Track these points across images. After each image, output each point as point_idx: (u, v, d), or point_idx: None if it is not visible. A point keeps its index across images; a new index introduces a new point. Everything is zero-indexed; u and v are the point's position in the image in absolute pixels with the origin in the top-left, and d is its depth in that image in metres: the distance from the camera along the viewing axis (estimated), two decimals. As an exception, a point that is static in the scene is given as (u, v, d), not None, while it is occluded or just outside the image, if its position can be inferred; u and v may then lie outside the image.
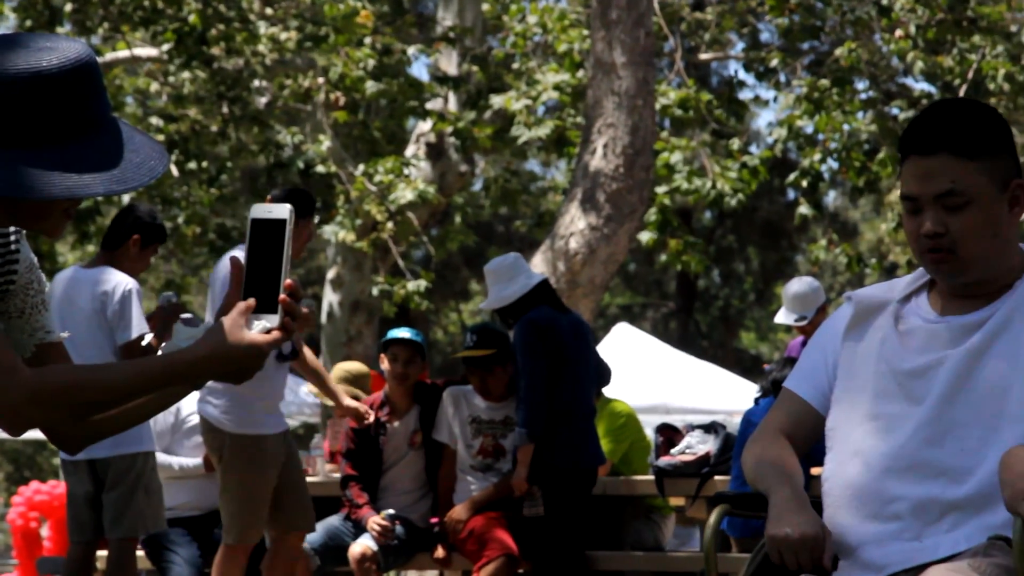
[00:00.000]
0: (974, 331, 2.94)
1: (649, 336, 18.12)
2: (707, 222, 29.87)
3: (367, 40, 14.67)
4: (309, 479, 7.28)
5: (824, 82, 14.47)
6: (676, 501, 7.64)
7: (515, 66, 15.52)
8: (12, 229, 2.50)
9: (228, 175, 15.81)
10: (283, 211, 2.34)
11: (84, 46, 2.33)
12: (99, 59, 10.99)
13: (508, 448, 7.20)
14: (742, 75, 39.94)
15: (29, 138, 2.28)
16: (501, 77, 15.59)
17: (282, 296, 2.33)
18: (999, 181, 2.92)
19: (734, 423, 7.30)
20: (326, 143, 14.89)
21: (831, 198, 30.18)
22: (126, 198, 12.70)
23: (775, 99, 17.06)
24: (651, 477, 7.18)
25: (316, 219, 9.15)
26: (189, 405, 7.73)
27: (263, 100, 15.84)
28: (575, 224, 11.36)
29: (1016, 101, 15.08)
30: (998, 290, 2.97)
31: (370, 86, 14.33)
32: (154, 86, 16.32)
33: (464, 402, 7.27)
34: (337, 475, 7.75)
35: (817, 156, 14.22)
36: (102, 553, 7.12)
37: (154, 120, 15.56)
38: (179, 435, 7.81)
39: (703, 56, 18.59)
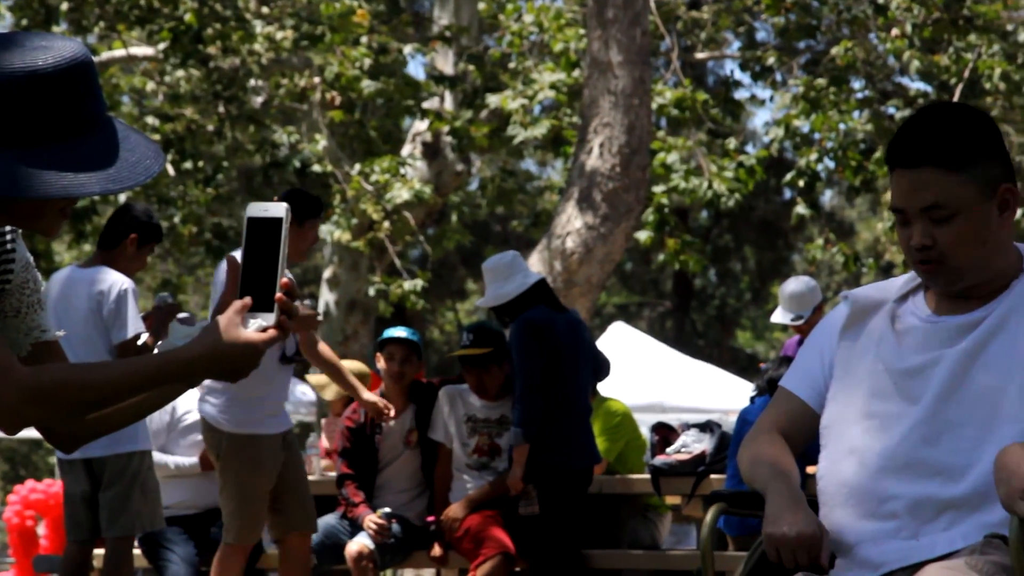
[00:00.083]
0: (970, 331, 2.94)
1: (645, 335, 18.13)
2: (703, 221, 29.88)
3: (363, 39, 14.67)
4: (305, 478, 7.27)
5: (820, 81, 14.48)
6: (672, 500, 7.63)
7: (511, 65, 15.52)
8: (8, 228, 2.49)
9: (224, 174, 15.81)
10: (279, 210, 2.34)
11: (80, 45, 2.33)
12: (95, 58, 10.97)
13: (504, 447, 7.20)
14: (738, 74, 39.98)
15: (25, 137, 2.28)
16: (497, 76, 15.59)
17: (278, 295, 2.33)
18: (986, 189, 2.91)
19: (730, 422, 7.31)
20: (322, 142, 14.89)
21: (827, 197, 30.21)
22: (122, 197, 12.70)
23: (771, 98, 17.07)
24: (647, 476, 7.18)
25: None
26: (185, 404, 7.74)
27: (259, 99, 15.84)
28: (571, 223, 11.36)
29: (1012, 100, 15.10)
30: (994, 290, 2.97)
31: (366, 85, 14.33)
32: (150, 85, 16.32)
33: (460, 401, 7.27)
34: (333, 474, 7.75)
35: (813, 155, 14.21)
36: (99, 552, 7.12)
37: (150, 119, 15.55)
38: (175, 434, 7.81)
39: (699, 55, 18.60)
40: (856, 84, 15.62)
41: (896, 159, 2.93)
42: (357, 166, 14.58)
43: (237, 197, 18.18)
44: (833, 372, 3.09)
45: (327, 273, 16.19)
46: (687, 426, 7.37)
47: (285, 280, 2.33)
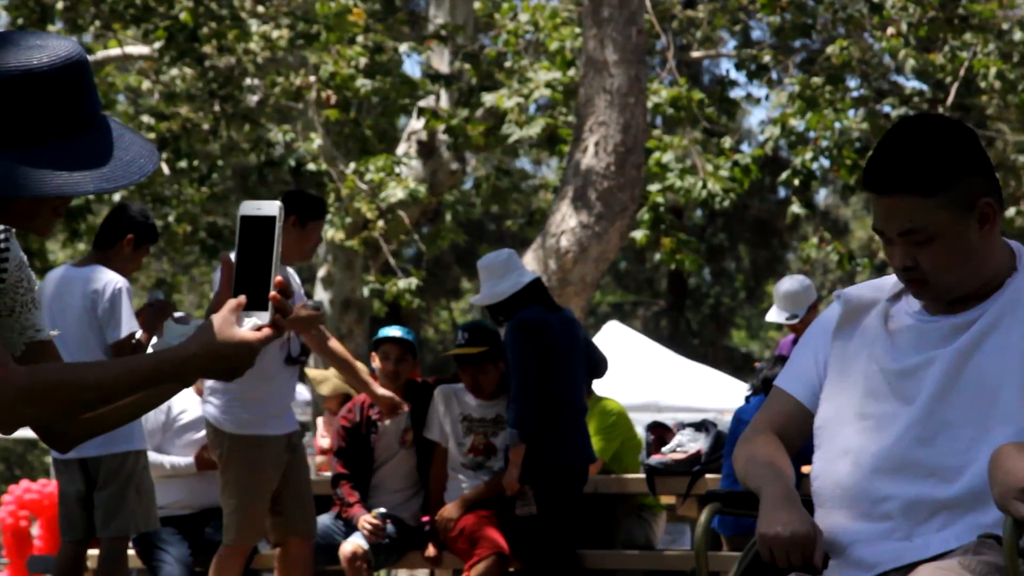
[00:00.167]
0: (964, 330, 2.93)
1: (640, 334, 18.14)
2: (698, 220, 29.87)
3: (359, 38, 14.66)
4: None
5: (816, 80, 14.47)
6: (667, 499, 7.63)
7: (507, 64, 15.52)
8: (1, 227, 2.49)
9: (219, 173, 15.80)
10: (272, 208, 2.34)
11: (75, 44, 2.33)
12: (90, 57, 10.96)
13: (499, 446, 7.19)
14: (734, 73, 39.95)
15: (19, 136, 2.27)
16: (493, 75, 15.59)
17: (272, 293, 2.33)
18: (964, 206, 2.88)
19: (725, 421, 7.29)
20: (317, 141, 14.88)
21: (822, 196, 30.20)
22: (117, 196, 12.69)
23: (767, 97, 17.06)
24: (642, 475, 7.18)
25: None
26: (180, 403, 7.73)
27: (254, 98, 15.83)
28: (566, 222, 11.36)
29: (1007, 99, 15.10)
30: (987, 290, 2.96)
31: (362, 84, 14.32)
32: (145, 84, 16.31)
33: (455, 400, 7.27)
34: (327, 473, 7.74)
35: (808, 154, 14.21)
36: (93, 552, 7.11)
37: (145, 118, 15.55)
38: (170, 433, 7.80)
39: (695, 54, 18.59)
40: (852, 83, 15.61)
41: (870, 184, 2.91)
42: (352, 165, 14.57)
43: (232, 196, 18.17)
44: (827, 372, 3.09)
45: (322, 272, 16.18)
46: (682, 425, 7.37)
47: (279, 279, 2.33)
